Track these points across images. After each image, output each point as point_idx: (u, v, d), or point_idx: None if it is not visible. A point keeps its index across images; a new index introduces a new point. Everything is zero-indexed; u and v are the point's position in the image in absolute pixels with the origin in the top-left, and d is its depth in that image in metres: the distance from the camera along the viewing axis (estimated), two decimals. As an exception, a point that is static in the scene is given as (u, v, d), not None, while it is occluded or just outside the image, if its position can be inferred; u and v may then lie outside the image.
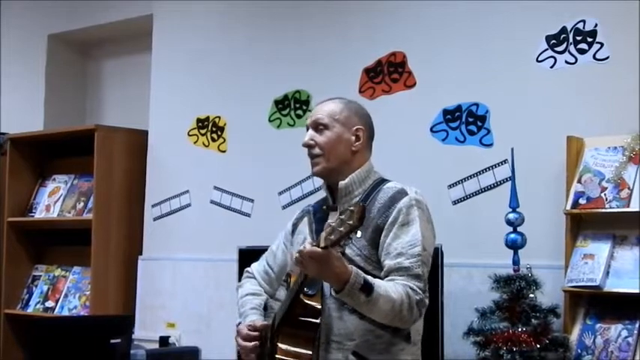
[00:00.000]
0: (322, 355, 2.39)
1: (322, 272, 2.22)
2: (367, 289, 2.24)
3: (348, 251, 2.36)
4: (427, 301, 2.37)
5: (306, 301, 2.35)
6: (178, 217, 4.63)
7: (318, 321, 2.35)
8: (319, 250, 2.17)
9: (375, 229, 2.43)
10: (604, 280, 3.05)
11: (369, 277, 2.28)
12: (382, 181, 2.55)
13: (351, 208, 2.13)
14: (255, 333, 2.51)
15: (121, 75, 5.45)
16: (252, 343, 2.51)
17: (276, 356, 2.34)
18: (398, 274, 2.34)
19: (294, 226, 2.70)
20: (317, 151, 2.53)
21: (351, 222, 2.11)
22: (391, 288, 2.29)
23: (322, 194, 2.67)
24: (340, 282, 2.23)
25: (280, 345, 2.35)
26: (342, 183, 2.51)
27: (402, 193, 2.46)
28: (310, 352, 2.34)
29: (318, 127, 2.55)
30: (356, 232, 2.18)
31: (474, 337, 3.10)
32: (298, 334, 2.36)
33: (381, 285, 2.28)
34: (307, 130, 2.59)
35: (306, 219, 2.66)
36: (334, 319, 2.41)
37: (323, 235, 2.17)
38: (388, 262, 2.37)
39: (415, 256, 2.36)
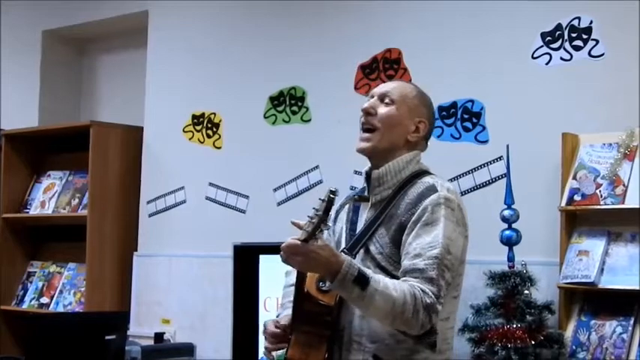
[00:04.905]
0: (343, 355, 2.27)
1: (308, 264, 2.10)
2: (362, 281, 2.08)
3: (371, 248, 2.27)
4: (439, 307, 2.18)
5: (318, 298, 2.22)
6: (173, 213, 4.63)
7: (329, 318, 2.24)
8: (297, 242, 2.06)
9: (399, 227, 2.26)
10: (599, 276, 3.05)
11: (367, 270, 2.13)
12: (420, 173, 2.36)
13: (322, 197, 2.05)
14: (278, 330, 2.37)
15: (116, 71, 5.43)
16: (274, 339, 2.37)
17: (286, 356, 2.26)
18: (412, 276, 2.17)
19: (337, 213, 2.51)
20: (375, 122, 2.34)
21: (320, 213, 2.04)
22: (393, 285, 2.12)
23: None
24: (330, 272, 2.09)
25: (292, 343, 2.26)
26: (375, 172, 2.34)
27: (431, 190, 2.27)
28: (323, 352, 2.24)
29: (384, 98, 2.37)
30: (326, 223, 2.07)
31: (469, 334, 3.11)
32: (310, 331, 2.26)
33: (380, 280, 2.11)
34: (370, 98, 2.40)
35: (347, 207, 2.49)
36: (357, 317, 2.28)
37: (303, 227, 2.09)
38: (405, 263, 2.21)
39: (432, 258, 2.18)
